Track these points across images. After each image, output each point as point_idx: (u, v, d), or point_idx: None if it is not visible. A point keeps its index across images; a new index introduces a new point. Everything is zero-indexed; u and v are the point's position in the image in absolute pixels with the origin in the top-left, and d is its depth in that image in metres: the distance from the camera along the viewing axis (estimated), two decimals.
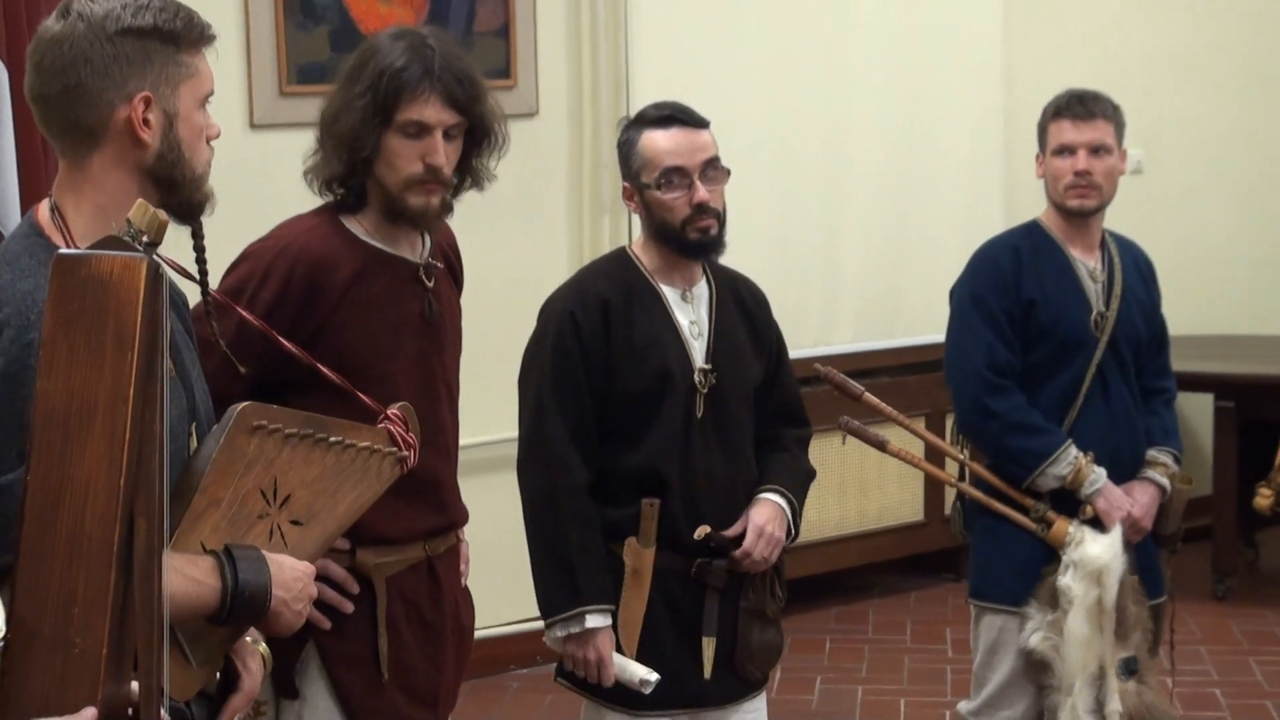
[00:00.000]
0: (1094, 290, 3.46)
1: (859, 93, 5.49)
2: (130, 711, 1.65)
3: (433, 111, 2.62)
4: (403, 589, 2.70)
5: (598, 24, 5.06)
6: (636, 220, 5.15)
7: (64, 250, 1.65)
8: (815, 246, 5.45)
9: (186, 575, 1.98)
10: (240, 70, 4.52)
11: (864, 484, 5.52)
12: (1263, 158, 6.30)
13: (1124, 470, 3.44)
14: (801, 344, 4.77)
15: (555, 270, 4.99)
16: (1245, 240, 6.17)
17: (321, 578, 2.57)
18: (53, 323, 1.61)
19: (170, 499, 1.75)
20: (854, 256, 5.55)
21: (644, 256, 3.05)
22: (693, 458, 2.99)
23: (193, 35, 2.04)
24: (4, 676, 1.59)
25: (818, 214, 5.46)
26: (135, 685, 1.65)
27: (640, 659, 2.96)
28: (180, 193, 2.03)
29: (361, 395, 2.49)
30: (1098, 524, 3.36)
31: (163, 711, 1.67)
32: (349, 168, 2.64)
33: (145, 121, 2.00)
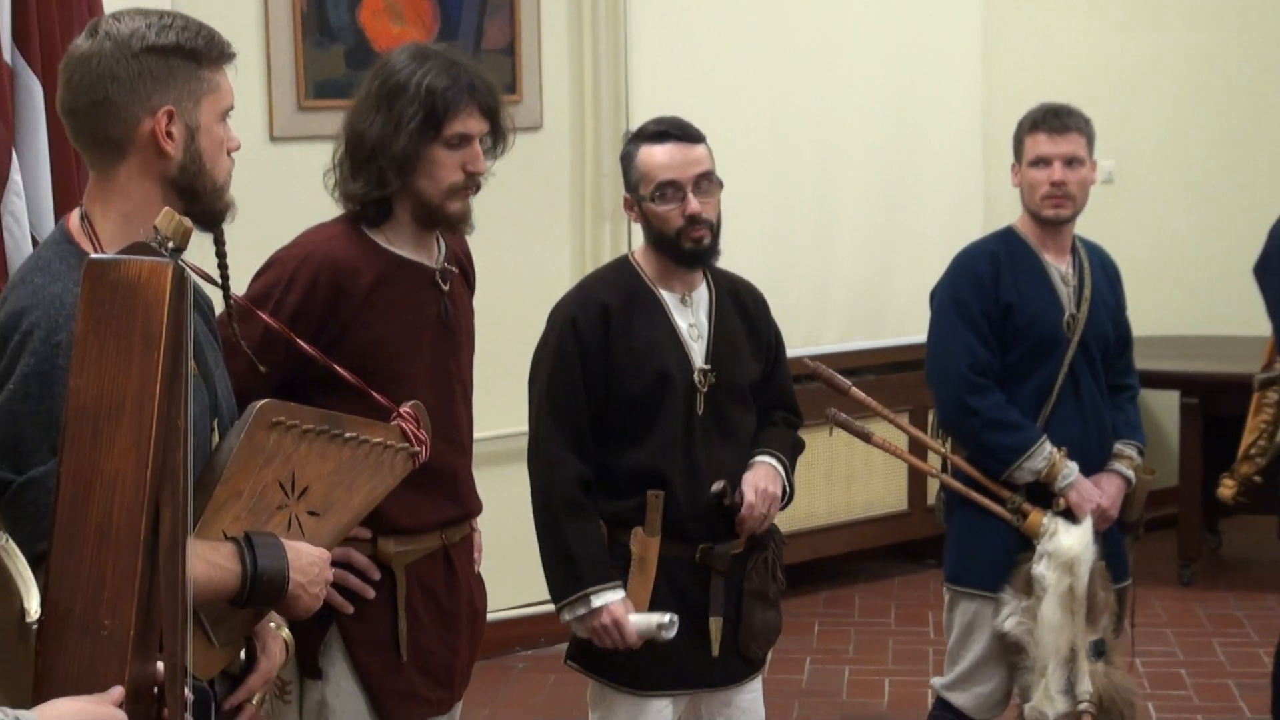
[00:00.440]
0: (1066, 294, 3.46)
1: (848, 107, 5.49)
2: (155, 690, 1.65)
3: (475, 123, 2.65)
4: (421, 576, 2.70)
5: (599, 41, 5.06)
6: (637, 227, 5.19)
7: (94, 255, 1.66)
8: (806, 252, 5.45)
9: (209, 561, 1.99)
10: (261, 86, 4.52)
11: (850, 475, 5.52)
12: (1225, 169, 6.31)
13: (1092, 462, 3.44)
14: (792, 343, 4.72)
15: (560, 274, 5.00)
16: (1209, 246, 6.17)
17: (345, 565, 2.59)
18: (84, 323, 1.61)
19: (194, 490, 1.76)
20: (842, 261, 5.55)
21: (645, 263, 3.05)
22: (695, 452, 2.99)
23: (213, 53, 2.05)
24: (38, 657, 1.59)
25: (808, 222, 5.46)
26: (160, 665, 1.65)
27: (646, 644, 2.95)
28: (202, 201, 2.04)
29: (375, 394, 2.50)
30: (1070, 515, 3.37)
31: (186, 690, 1.67)
32: (394, 184, 2.63)
33: (169, 134, 2.00)
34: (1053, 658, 3.30)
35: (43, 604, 1.59)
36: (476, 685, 2.92)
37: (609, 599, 2.90)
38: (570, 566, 2.92)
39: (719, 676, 3.04)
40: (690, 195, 2.95)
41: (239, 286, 2.42)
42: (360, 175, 2.64)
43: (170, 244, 1.65)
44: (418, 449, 2.37)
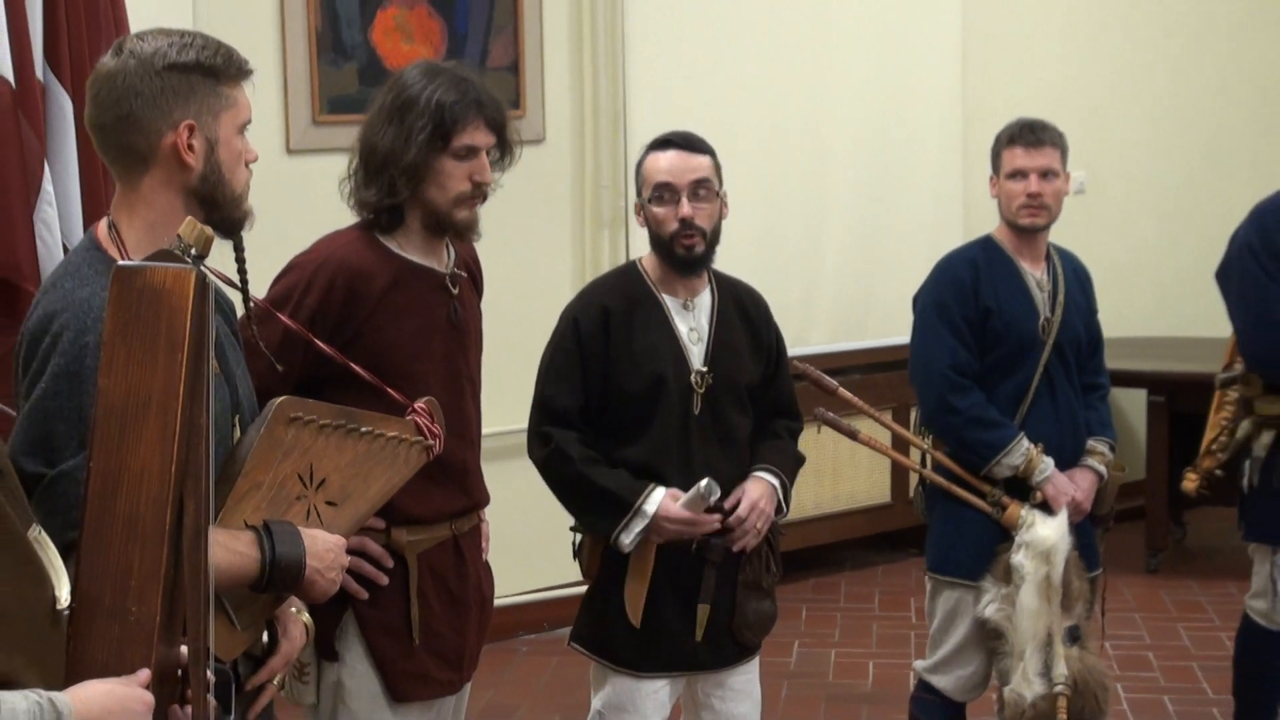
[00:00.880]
0: (1041, 299, 3.46)
1: (834, 121, 5.49)
2: (180, 672, 1.65)
3: (482, 136, 2.65)
4: (432, 564, 2.70)
5: (598, 59, 5.06)
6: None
7: (122, 262, 1.66)
8: (794, 258, 5.45)
9: (230, 548, 1.99)
10: (278, 101, 4.52)
11: (837, 469, 5.52)
12: (1190, 181, 6.32)
13: (1066, 458, 3.44)
14: None
15: (562, 279, 5.01)
16: (1174, 252, 6.18)
17: (359, 553, 2.59)
18: (112, 326, 1.61)
19: (216, 482, 1.76)
20: (829, 267, 5.55)
21: (650, 268, 3.05)
22: (691, 450, 2.99)
23: (231, 70, 2.05)
24: (69, 642, 1.58)
25: (797, 229, 5.46)
26: (184, 649, 1.65)
27: (644, 628, 2.97)
28: (221, 210, 2.04)
29: (390, 391, 2.50)
30: (1046, 508, 3.36)
31: (208, 671, 1.67)
32: (404, 193, 2.63)
33: (190, 147, 2.00)
34: (1030, 642, 3.29)
35: (73, 592, 1.59)
36: (482, 668, 2.92)
37: (656, 501, 2.91)
38: (611, 498, 2.92)
39: (709, 660, 3.04)
40: (684, 199, 2.95)
41: (259, 290, 2.43)
42: (373, 184, 2.65)
43: (193, 251, 1.65)
44: (432, 442, 2.37)
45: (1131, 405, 5.87)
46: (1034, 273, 3.47)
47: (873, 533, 5.75)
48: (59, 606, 1.58)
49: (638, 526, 2.91)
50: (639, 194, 3.04)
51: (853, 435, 3.51)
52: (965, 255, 3.53)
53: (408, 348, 2.64)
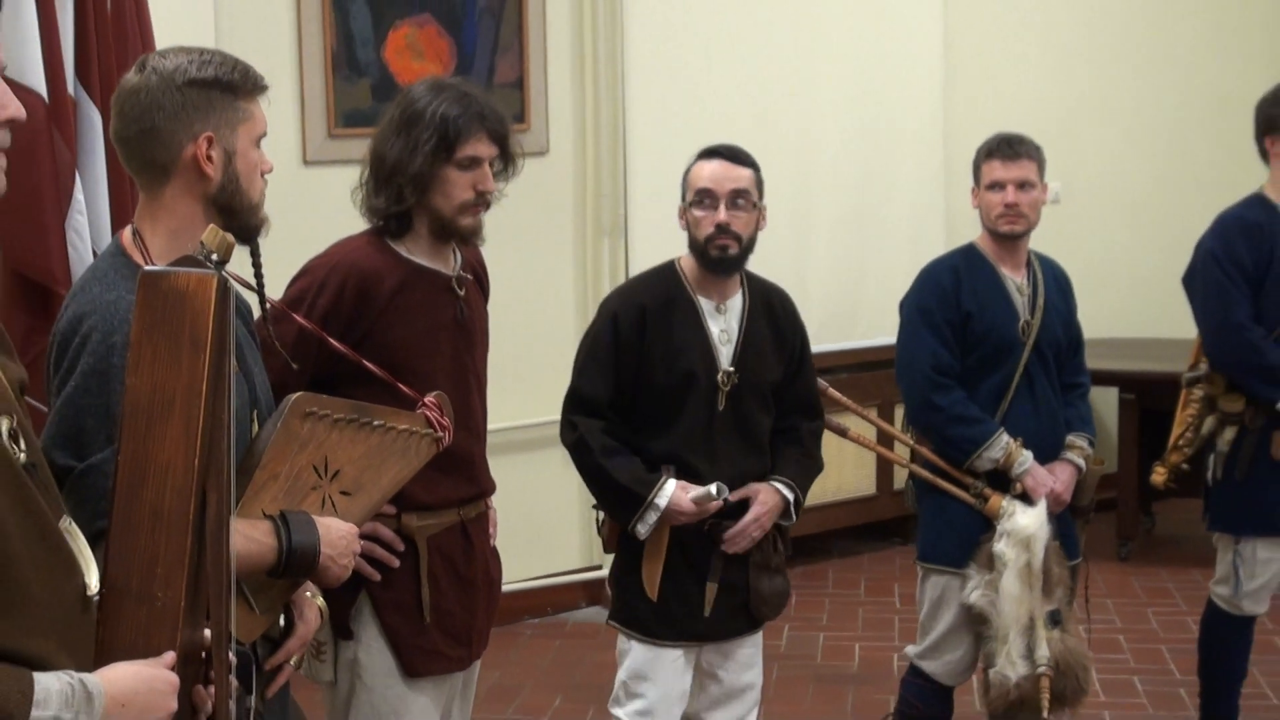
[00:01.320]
0: (1021, 302, 3.46)
1: (822, 134, 5.49)
2: (203, 653, 1.65)
3: (484, 147, 2.66)
4: (441, 547, 2.71)
5: (599, 76, 5.06)
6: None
7: (148, 268, 1.65)
8: (785, 264, 5.42)
9: (249, 537, 1.99)
10: (295, 115, 4.52)
11: (825, 463, 5.50)
12: (1159, 191, 6.32)
13: (1047, 453, 3.43)
14: None
15: (565, 283, 5.01)
16: (1143, 258, 6.18)
17: (372, 538, 2.60)
18: (138, 328, 1.61)
19: (235, 474, 1.76)
20: (818, 273, 5.55)
21: (687, 269, 3.08)
22: (715, 443, 3.03)
23: (248, 85, 2.04)
24: (99, 626, 1.58)
25: (787, 237, 5.44)
26: (208, 632, 1.65)
27: (660, 603, 3.03)
28: (239, 218, 2.04)
29: (402, 386, 2.50)
30: (1026, 499, 3.35)
31: (230, 653, 1.67)
32: (410, 200, 2.64)
33: (209, 157, 2.00)
34: (1013, 626, 3.29)
35: (102, 579, 1.59)
36: (489, 650, 2.92)
37: (668, 495, 2.95)
38: (627, 493, 2.97)
39: (717, 632, 3.08)
40: (723, 206, 2.98)
41: (276, 292, 2.43)
42: (382, 192, 2.66)
43: (215, 257, 1.65)
44: (441, 435, 2.38)
45: (1103, 402, 5.87)
46: (1015, 278, 3.47)
47: (859, 523, 5.75)
48: (89, 593, 1.58)
49: (652, 518, 2.96)
50: (683, 198, 3.06)
51: (842, 432, 3.51)
52: (948, 262, 3.53)
53: (416, 345, 2.65)
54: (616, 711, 3.10)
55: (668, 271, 3.10)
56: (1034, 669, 3.29)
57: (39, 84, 2.83)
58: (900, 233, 5.63)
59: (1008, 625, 3.29)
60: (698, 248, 3.02)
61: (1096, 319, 5.41)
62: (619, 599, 3.11)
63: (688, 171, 3.06)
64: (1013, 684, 3.28)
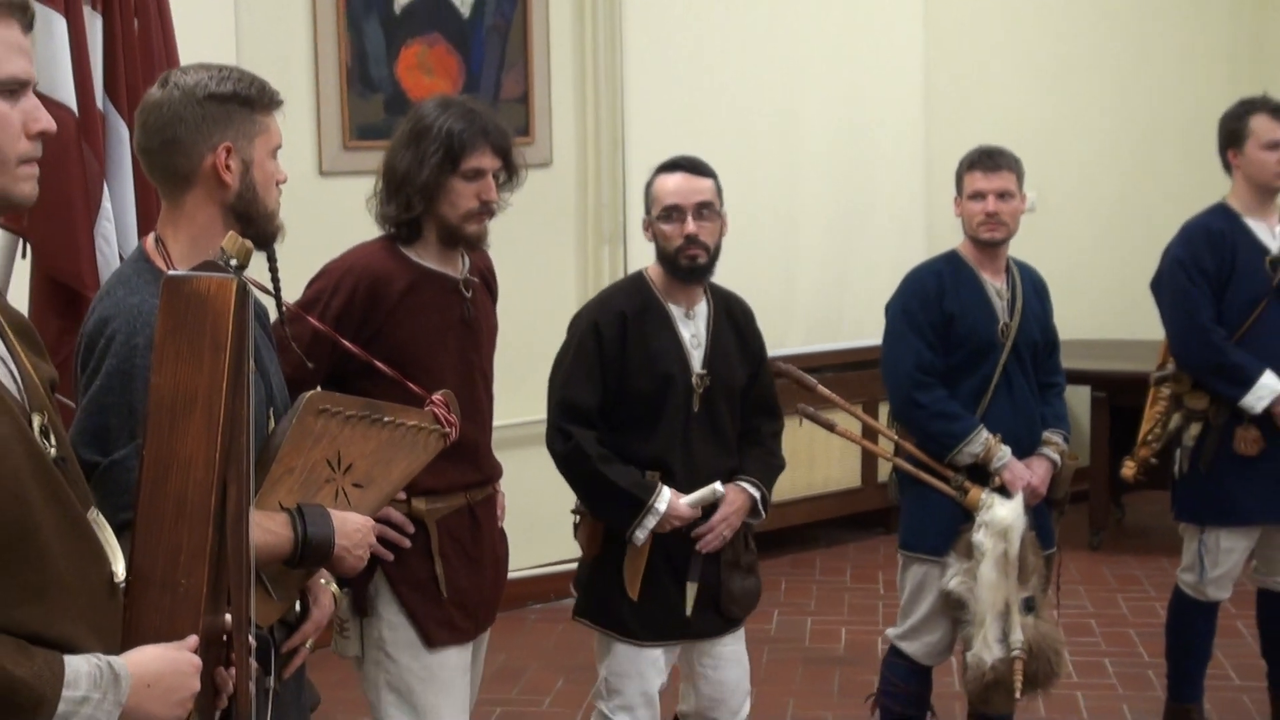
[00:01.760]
0: (1000, 306, 3.45)
1: (810, 147, 5.49)
2: (224, 637, 1.64)
3: (488, 159, 2.68)
4: (449, 528, 2.74)
5: (599, 92, 5.06)
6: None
7: (171, 272, 1.65)
8: (775, 269, 5.45)
9: (266, 528, 1.99)
10: (312, 128, 4.51)
11: (813, 457, 5.51)
12: (1128, 201, 6.33)
13: (1023, 447, 3.43)
14: None
15: (568, 288, 5.01)
16: (1114, 264, 6.18)
17: (384, 521, 2.63)
18: (162, 329, 1.60)
19: (254, 468, 1.76)
20: (806, 277, 5.55)
21: (656, 279, 3.04)
22: (692, 445, 3.00)
23: (264, 100, 2.04)
24: (125, 612, 1.57)
25: (777, 244, 5.47)
26: (228, 617, 1.65)
27: (641, 603, 2.99)
28: (256, 225, 2.03)
29: (410, 384, 2.51)
30: (1004, 491, 3.35)
31: (249, 637, 1.67)
32: (418, 208, 2.67)
33: (227, 166, 2.00)
34: (990, 612, 3.28)
35: (128, 567, 1.58)
36: (495, 634, 2.93)
37: (665, 499, 2.92)
38: (626, 497, 2.92)
39: (698, 630, 3.05)
40: (690, 218, 2.95)
41: (294, 294, 2.43)
42: (393, 201, 2.69)
43: (234, 262, 1.65)
44: (448, 430, 2.38)
45: (1076, 401, 5.85)
46: (994, 283, 3.47)
47: (844, 514, 5.75)
48: (116, 580, 1.57)
49: (650, 523, 2.92)
50: (648, 211, 3.02)
51: (830, 427, 3.51)
52: (931, 268, 3.52)
53: (424, 343, 2.68)
54: (600, 705, 3.07)
55: (639, 281, 3.07)
56: (1009, 652, 3.28)
57: (69, 99, 2.83)
58: (884, 239, 5.63)
59: (984, 611, 3.29)
60: (668, 259, 2.98)
61: (1070, 321, 5.40)
62: (595, 600, 3.03)
63: (650, 185, 3.01)
64: (988, 666, 3.28)
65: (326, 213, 4.08)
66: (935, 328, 3.41)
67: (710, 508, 2.99)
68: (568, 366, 2.99)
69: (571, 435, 2.94)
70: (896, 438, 3.50)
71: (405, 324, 2.66)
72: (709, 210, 2.97)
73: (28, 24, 1.55)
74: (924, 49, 5.76)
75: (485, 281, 2.86)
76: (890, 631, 3.56)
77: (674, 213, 2.96)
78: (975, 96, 5.94)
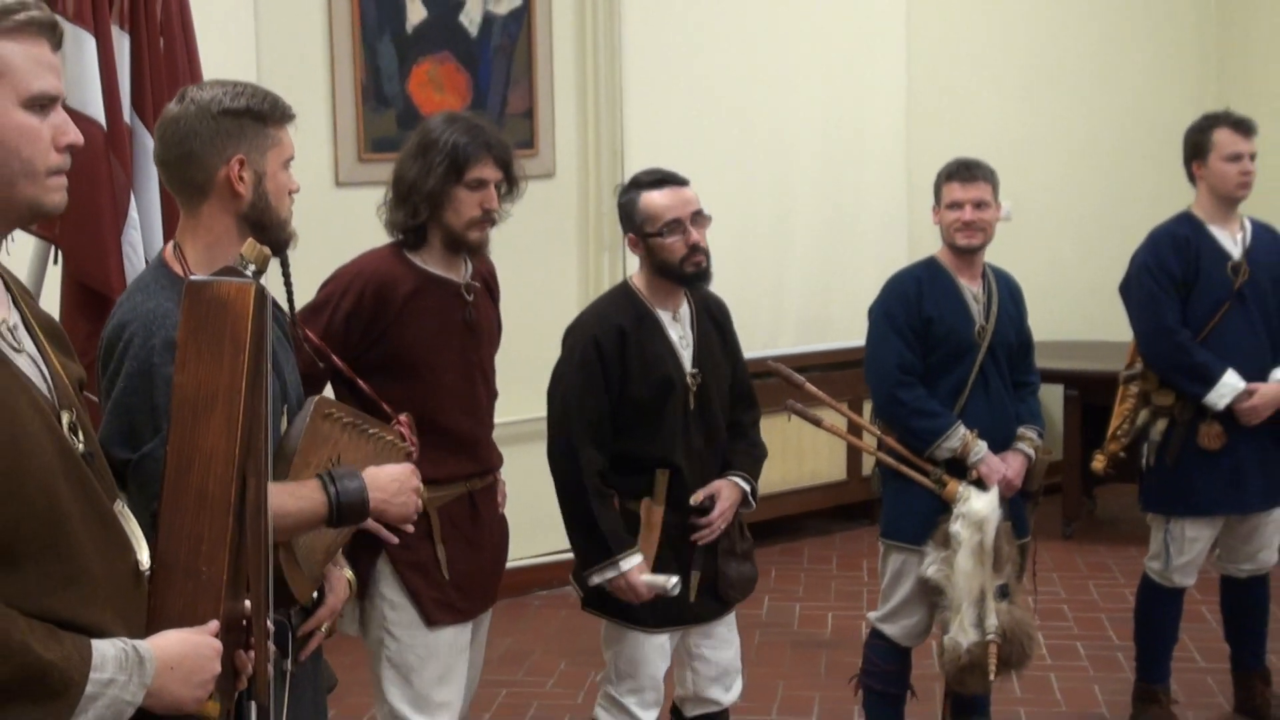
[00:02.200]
0: (977, 309, 3.45)
1: (799, 159, 5.49)
2: (244, 622, 1.64)
3: (490, 171, 2.69)
4: (450, 515, 2.75)
5: (600, 107, 5.06)
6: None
7: (193, 277, 1.65)
8: (767, 275, 5.46)
9: (299, 496, 2.00)
10: (328, 142, 4.51)
11: (800, 452, 5.52)
12: (1098, 210, 6.32)
13: (999, 443, 3.42)
14: (755, 346, 4.78)
15: (570, 293, 5.01)
16: (1085, 269, 6.18)
17: None
18: (184, 331, 1.60)
19: (272, 462, 1.75)
20: (795, 282, 5.55)
21: (643, 288, 3.01)
22: (691, 440, 2.99)
23: (277, 114, 2.04)
24: (150, 598, 1.57)
25: (768, 250, 5.47)
26: (248, 602, 1.65)
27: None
28: (269, 233, 2.03)
29: (384, 405, 2.55)
30: (981, 484, 3.35)
31: (267, 621, 1.67)
32: (423, 215, 2.68)
33: (240, 177, 2.00)
34: (965, 598, 3.28)
35: (153, 556, 1.59)
36: (500, 618, 2.93)
37: (630, 564, 2.89)
38: (600, 540, 2.89)
39: (702, 614, 3.05)
40: (690, 228, 2.93)
41: (309, 297, 2.44)
42: (400, 209, 2.71)
43: (252, 267, 1.65)
44: (412, 450, 2.40)
45: (1050, 398, 5.86)
46: (971, 287, 3.47)
47: (831, 505, 5.75)
48: (141, 569, 1.57)
49: (608, 575, 2.89)
50: (636, 229, 2.94)
51: (817, 423, 3.51)
52: (911, 273, 3.52)
53: (428, 343, 2.70)
54: (608, 689, 3.06)
55: (627, 292, 3.02)
56: (984, 637, 3.28)
57: (98, 114, 2.83)
58: (869, 247, 5.63)
59: (960, 597, 3.28)
60: (671, 269, 2.93)
61: (1043, 324, 5.41)
62: (605, 592, 2.96)
63: (635, 203, 2.92)
64: (964, 649, 3.27)
65: (342, 220, 4.08)
66: (915, 330, 3.40)
67: (708, 504, 2.99)
68: (570, 379, 2.93)
69: (577, 455, 2.87)
70: (880, 433, 3.50)
71: (410, 325, 2.68)
72: (701, 216, 2.96)
73: (57, 43, 1.55)
74: (906, 69, 5.76)
75: (487, 285, 2.87)
76: (871, 615, 3.56)
77: (675, 226, 2.92)
78: (954, 112, 5.94)
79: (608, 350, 2.92)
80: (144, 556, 1.58)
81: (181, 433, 1.58)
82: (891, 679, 3.50)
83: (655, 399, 2.95)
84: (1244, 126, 3.68)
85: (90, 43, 2.81)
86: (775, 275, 5.50)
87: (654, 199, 2.93)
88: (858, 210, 5.64)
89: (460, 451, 2.72)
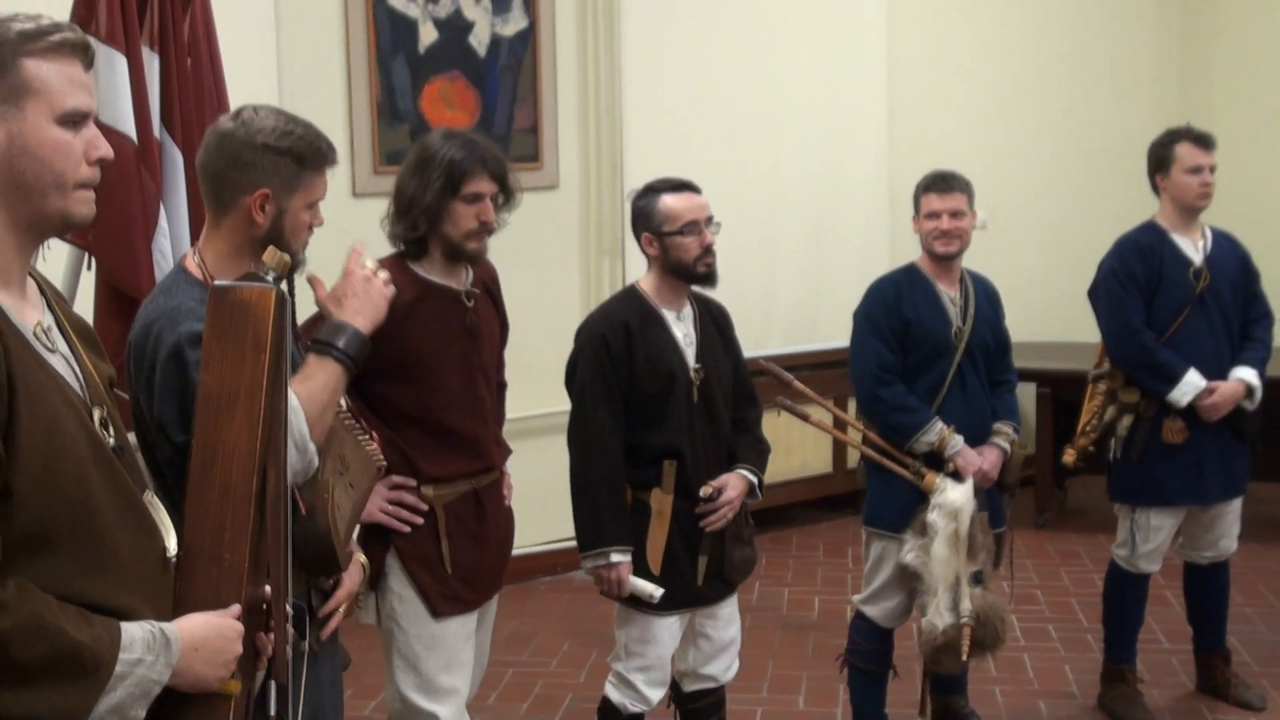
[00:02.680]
0: (954, 312, 3.45)
1: (787, 170, 5.49)
2: (264, 606, 1.65)
3: (486, 184, 2.67)
4: (455, 511, 2.74)
5: (600, 124, 5.06)
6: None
7: (218, 282, 1.65)
8: (757, 279, 5.45)
9: (313, 378, 2.01)
10: (346, 155, 4.51)
11: (789, 445, 5.51)
12: (1069, 219, 6.32)
13: (976, 438, 3.42)
14: (746, 347, 4.73)
15: (572, 297, 5.00)
16: (1056, 274, 6.17)
17: (398, 503, 2.67)
18: (209, 332, 1.60)
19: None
20: (785, 287, 5.55)
21: (649, 289, 3.02)
22: (696, 432, 2.99)
23: (316, 159, 2.04)
24: (176, 583, 1.57)
25: (758, 256, 5.47)
26: (268, 588, 1.65)
27: (661, 574, 2.97)
28: None
29: (361, 420, 2.54)
30: (958, 476, 3.36)
31: (287, 605, 1.67)
32: (423, 228, 2.67)
33: (261, 209, 2.01)
34: (941, 583, 3.28)
35: (179, 544, 1.59)
36: (507, 603, 2.93)
37: (622, 559, 2.90)
38: (600, 526, 2.90)
39: (708, 597, 3.06)
40: (704, 230, 2.95)
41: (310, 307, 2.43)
42: (401, 222, 2.70)
43: (273, 274, 1.65)
44: (384, 463, 2.39)
45: (1023, 396, 5.81)
46: (949, 292, 3.47)
47: (818, 496, 5.74)
48: (168, 555, 1.57)
49: (599, 561, 2.90)
50: (653, 229, 2.96)
51: (805, 418, 3.51)
52: (891, 279, 3.52)
53: (430, 347, 2.69)
54: (618, 666, 3.06)
55: (634, 294, 3.03)
56: (958, 620, 3.28)
57: (129, 129, 2.83)
58: (853, 254, 5.64)
59: (937, 582, 3.28)
60: (685, 268, 2.95)
61: (1017, 325, 5.39)
62: None
63: (654, 204, 2.95)
64: (939, 631, 3.27)
65: (359, 230, 4.05)
66: (895, 331, 3.40)
67: (715, 495, 2.99)
68: (583, 372, 2.94)
69: (593, 448, 2.88)
70: (863, 428, 3.50)
71: (413, 331, 2.67)
72: (712, 221, 2.99)
73: (89, 63, 1.55)
74: (887, 90, 5.76)
75: (488, 290, 2.86)
76: (855, 597, 3.56)
77: (692, 227, 2.95)
78: (932, 129, 5.94)
79: (614, 347, 2.94)
80: (171, 544, 1.58)
81: (206, 428, 1.58)
82: (874, 658, 3.50)
83: (661, 392, 2.96)
84: (1204, 141, 3.68)
85: (122, 62, 2.81)
86: (766, 280, 5.50)
87: (673, 202, 2.97)
88: (842, 220, 5.65)
89: (463, 450, 2.71)
